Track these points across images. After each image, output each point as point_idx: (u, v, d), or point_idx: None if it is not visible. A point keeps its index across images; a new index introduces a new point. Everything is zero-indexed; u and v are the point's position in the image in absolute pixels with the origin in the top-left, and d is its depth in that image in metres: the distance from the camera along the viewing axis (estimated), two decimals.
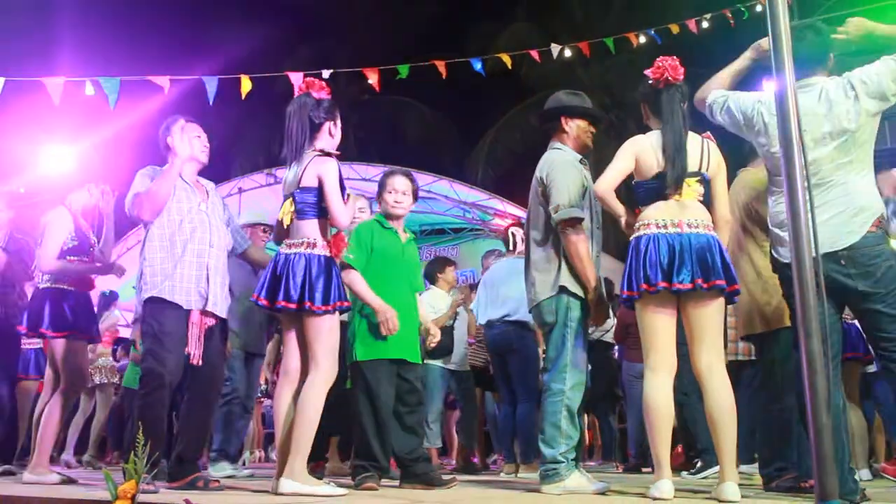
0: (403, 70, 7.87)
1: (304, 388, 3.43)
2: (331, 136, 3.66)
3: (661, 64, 3.52)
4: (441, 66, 7.99)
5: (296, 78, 7.37)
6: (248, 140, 19.75)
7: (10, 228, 5.29)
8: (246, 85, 7.12)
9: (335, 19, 20.54)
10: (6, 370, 5.30)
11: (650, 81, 3.56)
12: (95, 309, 5.16)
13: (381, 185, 4.39)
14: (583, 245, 3.70)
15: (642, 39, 9.15)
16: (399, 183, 4.30)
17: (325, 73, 7.65)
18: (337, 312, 3.47)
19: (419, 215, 12.92)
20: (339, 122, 3.72)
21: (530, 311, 3.96)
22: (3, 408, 5.28)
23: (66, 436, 7.58)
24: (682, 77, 3.52)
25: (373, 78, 7.54)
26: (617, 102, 16.99)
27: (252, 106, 14.81)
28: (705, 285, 3.26)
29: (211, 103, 6.54)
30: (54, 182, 4.93)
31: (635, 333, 6.54)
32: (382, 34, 19.39)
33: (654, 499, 3.16)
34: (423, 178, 12.65)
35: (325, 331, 3.45)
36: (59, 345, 4.57)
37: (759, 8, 8.65)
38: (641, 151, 3.50)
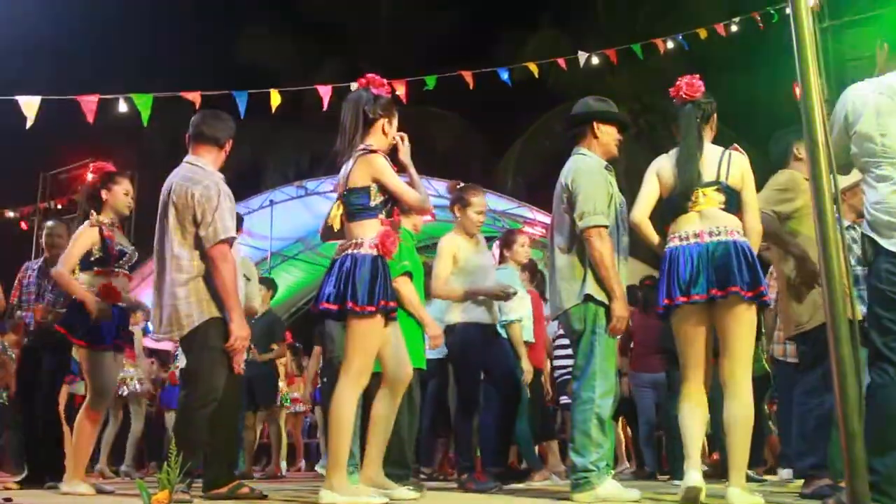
0: (431, 81, 7.90)
1: (334, 397, 3.40)
2: (384, 133, 3.58)
3: (678, 82, 3.63)
4: (468, 76, 8.01)
5: (324, 91, 7.45)
6: (278, 153, 19.92)
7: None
8: (275, 98, 7.20)
9: (361, 31, 20.68)
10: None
11: (673, 99, 3.66)
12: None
13: (465, 201, 4.94)
14: (608, 252, 3.69)
15: (670, 45, 9.10)
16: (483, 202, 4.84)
17: (354, 86, 7.70)
18: (380, 315, 3.38)
19: (449, 224, 12.92)
20: (395, 121, 3.63)
21: (556, 319, 3.97)
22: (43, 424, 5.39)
23: (99, 447, 7.70)
24: (698, 94, 3.58)
25: (400, 90, 7.57)
26: (646, 109, 16.91)
27: (282, 119, 14.96)
28: (720, 293, 3.30)
29: (242, 117, 6.62)
30: (87, 198, 4.96)
31: (638, 342, 6.59)
32: (408, 45, 19.48)
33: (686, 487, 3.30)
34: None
35: (362, 332, 3.37)
36: (82, 354, 4.60)
37: (788, 10, 8.55)
38: (661, 169, 3.62)
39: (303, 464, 10.62)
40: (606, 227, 3.72)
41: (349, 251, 3.40)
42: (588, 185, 3.76)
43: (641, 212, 3.64)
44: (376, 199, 3.43)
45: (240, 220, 6.01)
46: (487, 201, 14.43)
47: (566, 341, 7.15)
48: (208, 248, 3.69)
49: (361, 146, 3.50)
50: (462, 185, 5.26)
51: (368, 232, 3.41)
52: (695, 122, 3.53)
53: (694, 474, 3.33)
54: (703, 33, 8.94)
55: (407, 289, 4.02)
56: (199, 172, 3.86)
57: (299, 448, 10.69)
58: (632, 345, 6.94)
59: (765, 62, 14.50)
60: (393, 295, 3.44)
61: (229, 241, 3.74)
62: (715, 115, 3.65)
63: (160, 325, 3.79)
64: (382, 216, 3.46)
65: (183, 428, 3.62)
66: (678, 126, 3.60)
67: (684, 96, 3.59)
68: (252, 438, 8.02)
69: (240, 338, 3.71)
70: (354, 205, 3.46)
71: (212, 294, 3.72)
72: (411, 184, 3.55)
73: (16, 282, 5.83)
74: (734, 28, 9.13)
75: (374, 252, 3.38)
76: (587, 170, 3.83)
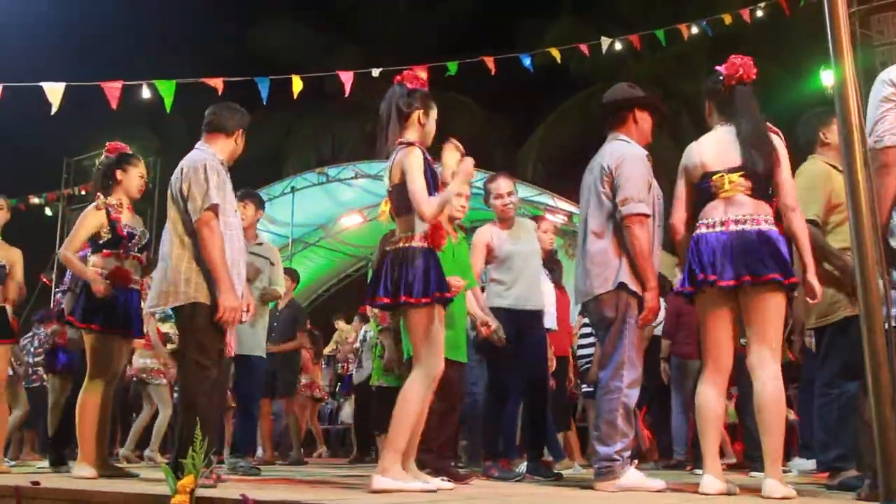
0: (453, 67, 7.86)
1: (406, 384, 3.42)
2: (420, 125, 3.55)
3: (736, 62, 3.49)
4: (490, 62, 7.96)
5: (346, 77, 7.43)
6: (298, 139, 19.95)
7: None
8: (297, 85, 7.18)
9: (383, 17, 20.63)
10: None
11: (721, 78, 3.53)
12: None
13: (486, 190, 5.01)
14: (646, 241, 3.67)
15: (694, 30, 8.99)
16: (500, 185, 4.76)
17: (375, 72, 7.69)
18: (437, 305, 3.39)
19: (470, 211, 12.88)
20: (432, 112, 3.61)
21: (584, 305, 3.94)
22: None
23: (124, 432, 7.77)
24: (753, 77, 3.49)
25: (422, 75, 7.49)
26: (669, 95, 16.74)
27: (302, 105, 14.96)
28: (751, 279, 3.25)
29: (264, 103, 6.63)
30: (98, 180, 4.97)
31: (687, 326, 6.48)
32: (430, 31, 19.42)
33: (703, 494, 3.22)
34: (474, 175, 12.64)
35: (420, 322, 3.38)
36: (87, 337, 4.61)
37: None
38: (687, 160, 3.56)
39: (323, 450, 10.67)
40: (648, 215, 3.70)
41: (400, 244, 3.42)
42: (634, 172, 3.73)
43: (679, 217, 3.60)
44: None
45: (260, 201, 6.04)
46: None
47: (588, 329, 7.13)
48: (195, 221, 3.74)
49: (400, 140, 3.49)
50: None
51: (417, 225, 3.41)
52: (754, 105, 3.47)
53: (709, 481, 3.28)
54: (727, 19, 8.81)
55: None
56: (198, 153, 3.95)
57: (319, 435, 10.75)
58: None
59: (791, 48, 14.30)
60: (445, 286, 3.43)
61: (213, 209, 3.75)
62: None
63: (154, 297, 3.83)
64: None
65: (185, 411, 3.65)
66: (730, 106, 3.50)
67: (744, 78, 3.49)
68: (269, 426, 8.04)
69: (228, 309, 3.68)
70: (400, 199, 3.46)
71: (202, 274, 3.74)
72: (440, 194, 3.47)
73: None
74: (759, 13, 8.99)
75: (425, 245, 3.39)
76: (633, 156, 3.80)
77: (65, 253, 4.63)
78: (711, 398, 3.41)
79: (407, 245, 3.40)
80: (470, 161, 3.64)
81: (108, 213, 4.64)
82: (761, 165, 3.36)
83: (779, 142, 3.45)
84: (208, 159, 3.88)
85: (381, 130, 3.56)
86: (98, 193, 4.77)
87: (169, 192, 3.88)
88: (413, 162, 3.40)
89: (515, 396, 5.01)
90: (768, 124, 3.52)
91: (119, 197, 4.75)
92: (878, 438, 1.66)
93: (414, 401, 3.35)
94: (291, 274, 8.09)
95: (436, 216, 3.38)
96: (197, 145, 4.04)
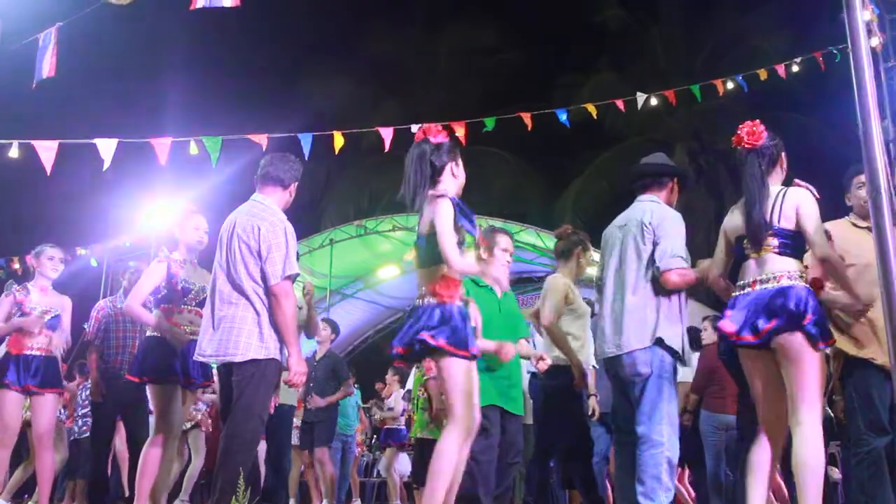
0: (490, 122, 7.95)
1: (441, 439, 3.38)
2: (454, 176, 3.58)
3: (739, 131, 3.62)
4: (527, 117, 8.05)
5: (386, 133, 7.58)
6: (337, 193, 20.22)
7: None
8: (339, 141, 7.32)
9: (420, 73, 21.01)
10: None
11: (734, 147, 3.68)
12: None
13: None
14: (682, 285, 3.86)
15: (730, 85, 9.02)
16: (506, 242, 4.58)
17: (414, 128, 7.81)
18: (466, 359, 3.36)
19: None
20: (460, 162, 3.63)
21: (613, 358, 3.95)
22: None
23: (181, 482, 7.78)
24: (760, 141, 3.57)
25: (460, 131, 7.61)
26: (704, 148, 16.77)
27: (341, 159, 15.21)
28: (767, 327, 3.30)
29: (307, 158, 6.77)
30: (159, 236, 5.16)
31: (718, 382, 6.41)
32: (467, 86, 19.71)
33: None
34: (510, 228, 12.72)
35: (457, 375, 3.35)
36: (150, 390, 4.71)
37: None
38: (726, 224, 3.70)
39: (357, 502, 10.59)
40: (685, 268, 3.85)
41: (423, 301, 3.41)
42: (674, 230, 3.93)
43: (714, 274, 3.75)
44: None
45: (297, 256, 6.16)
46: (545, 242, 14.46)
47: None
48: (272, 284, 3.79)
49: (431, 193, 3.49)
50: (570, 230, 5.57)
51: (437, 279, 3.39)
52: (758, 171, 3.53)
53: None
54: (763, 74, 8.84)
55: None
56: (265, 210, 3.99)
57: (355, 487, 10.68)
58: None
59: (827, 103, 14.28)
60: (469, 342, 3.40)
61: (293, 278, 3.86)
62: (783, 155, 3.64)
63: (216, 345, 3.82)
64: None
65: (232, 460, 3.63)
66: (743, 175, 3.60)
67: (746, 146, 3.59)
68: (314, 475, 7.98)
69: (298, 373, 3.86)
70: (425, 251, 3.46)
71: (273, 331, 3.81)
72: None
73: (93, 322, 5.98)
74: (795, 68, 9.00)
75: (452, 300, 3.38)
76: (674, 216, 4.00)
77: (128, 303, 4.75)
78: (762, 455, 3.43)
79: (427, 301, 3.39)
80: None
81: (168, 267, 4.72)
82: (753, 231, 3.46)
83: (799, 195, 3.49)
84: (286, 222, 3.95)
85: (411, 186, 3.50)
86: (164, 247, 4.90)
87: (237, 245, 3.86)
88: (441, 212, 3.38)
89: (558, 451, 5.02)
90: (797, 181, 3.58)
91: (182, 253, 4.82)
92: None
93: (450, 457, 3.30)
94: (331, 325, 8.13)
95: (461, 270, 3.40)
96: (255, 197, 4.08)
